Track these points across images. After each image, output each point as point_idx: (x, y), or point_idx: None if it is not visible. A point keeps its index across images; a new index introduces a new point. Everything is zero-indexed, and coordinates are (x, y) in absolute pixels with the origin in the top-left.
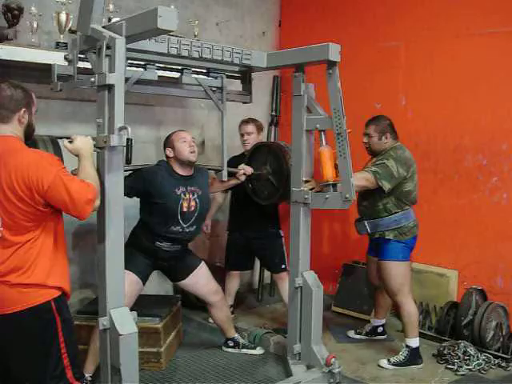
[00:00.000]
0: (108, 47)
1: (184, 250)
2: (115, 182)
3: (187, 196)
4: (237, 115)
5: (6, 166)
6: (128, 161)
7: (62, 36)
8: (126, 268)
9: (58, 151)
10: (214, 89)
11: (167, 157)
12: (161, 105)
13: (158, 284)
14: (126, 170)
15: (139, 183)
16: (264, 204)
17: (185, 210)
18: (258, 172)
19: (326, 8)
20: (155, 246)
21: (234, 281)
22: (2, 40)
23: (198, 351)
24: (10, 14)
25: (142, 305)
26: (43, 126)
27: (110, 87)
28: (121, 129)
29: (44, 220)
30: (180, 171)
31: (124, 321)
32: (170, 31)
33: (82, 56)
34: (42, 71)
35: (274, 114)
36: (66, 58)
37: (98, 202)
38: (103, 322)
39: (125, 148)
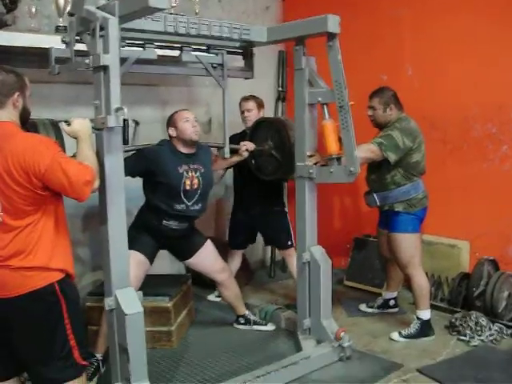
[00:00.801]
0: (102, 28)
1: (191, 228)
2: (115, 163)
3: (190, 174)
4: (242, 91)
5: (2, 151)
6: (125, 141)
7: (61, 19)
8: (133, 248)
9: (58, 134)
10: (215, 65)
11: (170, 136)
12: (165, 84)
13: (170, 263)
14: (126, 151)
15: (142, 163)
16: (268, 179)
17: (188, 188)
18: (261, 148)
19: None
20: (163, 224)
21: (236, 260)
22: (1, 26)
23: (210, 329)
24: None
25: (152, 284)
26: (46, 109)
27: (105, 68)
28: (117, 109)
29: (43, 203)
30: (183, 150)
31: (129, 300)
32: (162, 9)
33: (79, 38)
34: (43, 55)
35: (280, 89)
36: (63, 41)
37: (96, 184)
38: (109, 302)
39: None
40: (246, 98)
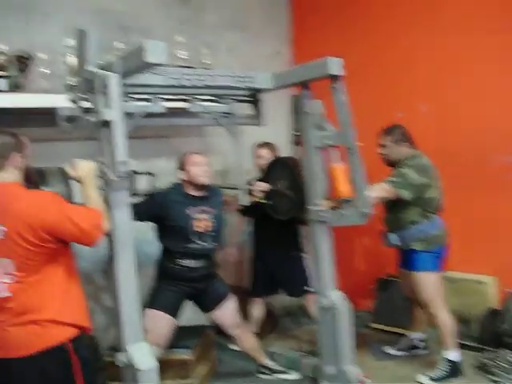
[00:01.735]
0: (104, 85)
1: (212, 271)
2: (122, 218)
3: (200, 216)
4: (257, 137)
5: (9, 212)
6: (133, 193)
7: (73, 79)
8: (154, 307)
9: (66, 182)
10: (224, 115)
11: (181, 179)
12: (177, 136)
13: (193, 314)
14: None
15: (150, 207)
16: (284, 219)
17: (199, 230)
18: (274, 187)
19: (339, 21)
20: (181, 265)
21: (259, 308)
22: (14, 88)
23: (233, 380)
24: (20, 62)
25: (173, 336)
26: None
27: (109, 123)
28: (123, 163)
29: (55, 258)
30: (193, 192)
31: (143, 356)
32: (160, 64)
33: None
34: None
35: (295, 133)
36: (71, 100)
37: (106, 225)
38: (122, 358)
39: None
40: (260, 145)
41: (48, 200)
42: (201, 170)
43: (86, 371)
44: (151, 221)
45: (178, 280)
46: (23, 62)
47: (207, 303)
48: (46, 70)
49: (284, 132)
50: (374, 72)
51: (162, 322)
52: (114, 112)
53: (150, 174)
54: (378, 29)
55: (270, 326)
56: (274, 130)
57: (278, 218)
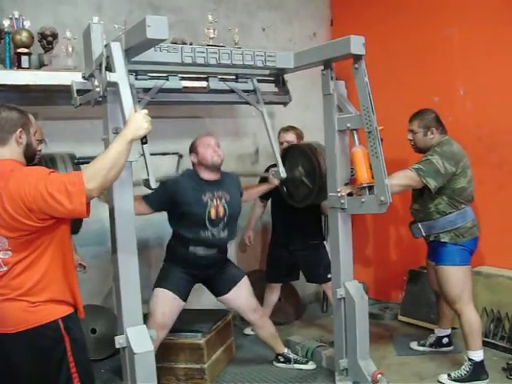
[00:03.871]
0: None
1: (223, 258)
2: (124, 198)
3: (215, 202)
4: (291, 118)
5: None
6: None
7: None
8: (162, 286)
9: (77, 168)
10: (248, 92)
11: (192, 163)
12: (210, 116)
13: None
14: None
15: (163, 196)
16: (300, 206)
17: (213, 217)
18: (291, 175)
19: (378, 2)
20: (190, 251)
21: (274, 293)
22: (39, 66)
23: (249, 367)
24: (44, 40)
25: (189, 320)
26: (89, 144)
27: (115, 85)
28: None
29: (48, 235)
30: (206, 176)
31: (140, 339)
32: (162, 40)
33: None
34: (82, 92)
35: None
36: (83, 77)
37: (93, 184)
38: (119, 340)
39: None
40: (285, 129)
41: (31, 174)
42: (212, 151)
43: (76, 350)
44: (164, 209)
45: (189, 265)
46: (47, 39)
47: (219, 287)
48: (69, 49)
49: (318, 113)
50: (412, 54)
51: (169, 303)
52: (118, 75)
53: (179, 155)
54: (415, 8)
55: (295, 313)
56: (308, 112)
57: (295, 205)
